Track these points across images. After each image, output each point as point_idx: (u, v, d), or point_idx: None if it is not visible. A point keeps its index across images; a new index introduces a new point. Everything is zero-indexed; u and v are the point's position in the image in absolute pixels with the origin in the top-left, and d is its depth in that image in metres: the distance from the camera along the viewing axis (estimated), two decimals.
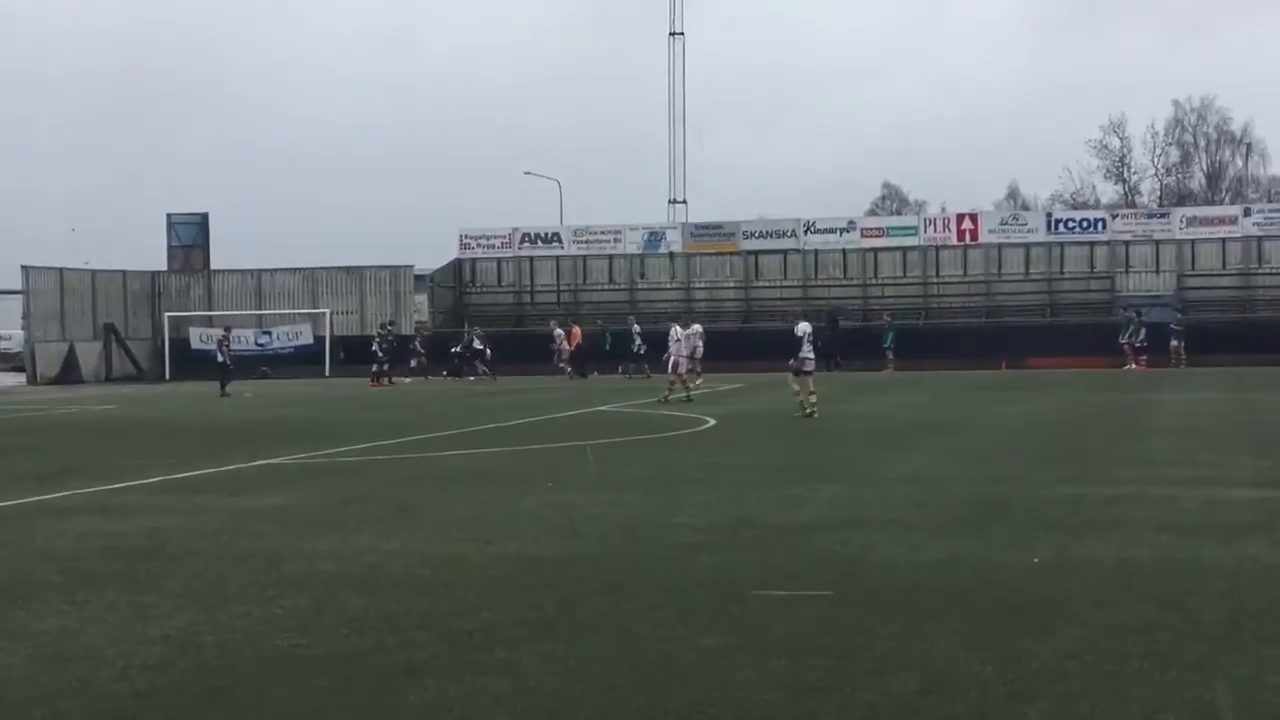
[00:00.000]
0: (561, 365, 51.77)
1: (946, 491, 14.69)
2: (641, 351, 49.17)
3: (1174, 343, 50.68)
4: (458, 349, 52.85)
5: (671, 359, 34.32)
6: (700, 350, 37.74)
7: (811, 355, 27.36)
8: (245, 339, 56.62)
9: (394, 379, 48.88)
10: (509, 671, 7.36)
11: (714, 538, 11.80)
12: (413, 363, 51.93)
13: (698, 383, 36.94)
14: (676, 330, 35.22)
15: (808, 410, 26.13)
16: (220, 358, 44.27)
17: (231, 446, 22.32)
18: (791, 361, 27.28)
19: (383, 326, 51.82)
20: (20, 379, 58.24)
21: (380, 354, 49.16)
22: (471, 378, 50.41)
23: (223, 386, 42.77)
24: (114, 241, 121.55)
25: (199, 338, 59.63)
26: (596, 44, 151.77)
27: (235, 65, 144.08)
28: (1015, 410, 28.46)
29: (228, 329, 48.28)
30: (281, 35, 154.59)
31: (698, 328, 38.63)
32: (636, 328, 51.00)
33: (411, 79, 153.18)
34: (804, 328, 27.66)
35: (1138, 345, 50.54)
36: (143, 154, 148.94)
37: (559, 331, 52.92)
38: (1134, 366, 49.55)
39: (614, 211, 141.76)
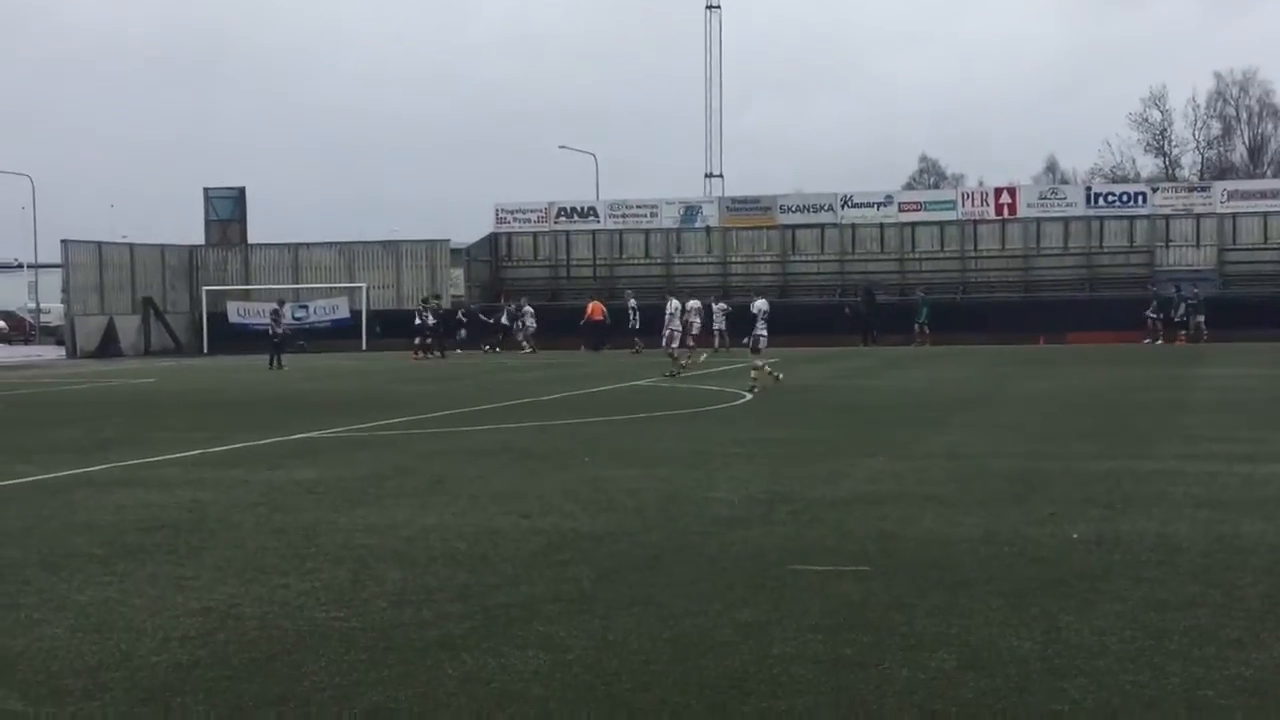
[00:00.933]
0: (522, 340, 52.58)
1: (984, 466, 14.64)
2: (637, 327, 49.35)
3: (1196, 318, 50.37)
4: (501, 320, 53.31)
5: (666, 334, 34.31)
6: (696, 326, 37.55)
7: (765, 333, 27.82)
8: (286, 314, 56.82)
9: (444, 352, 49.23)
10: (546, 645, 7.37)
11: (750, 512, 11.79)
12: (461, 333, 52.50)
13: (702, 358, 36.82)
14: (673, 304, 35.08)
15: (776, 375, 26.95)
16: (273, 331, 44.48)
17: (269, 420, 22.42)
18: (747, 340, 27.88)
19: (425, 300, 52.03)
20: (60, 352, 58.69)
21: (427, 326, 49.64)
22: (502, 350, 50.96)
23: (274, 359, 43.02)
24: (153, 216, 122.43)
25: (236, 311, 59.91)
26: (634, 18, 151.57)
27: (273, 40, 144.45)
28: (1053, 385, 28.32)
29: (281, 302, 48.47)
30: (321, 8, 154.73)
31: (695, 303, 38.48)
32: (633, 303, 51.17)
33: (447, 55, 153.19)
34: (760, 305, 28.07)
35: (1178, 320, 50.20)
36: (181, 129, 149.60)
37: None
38: (1150, 341, 49.34)
39: (650, 186, 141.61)
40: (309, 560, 9.87)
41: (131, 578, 9.37)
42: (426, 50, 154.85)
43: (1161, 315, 50.74)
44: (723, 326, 46.42)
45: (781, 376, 27.41)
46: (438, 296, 54.53)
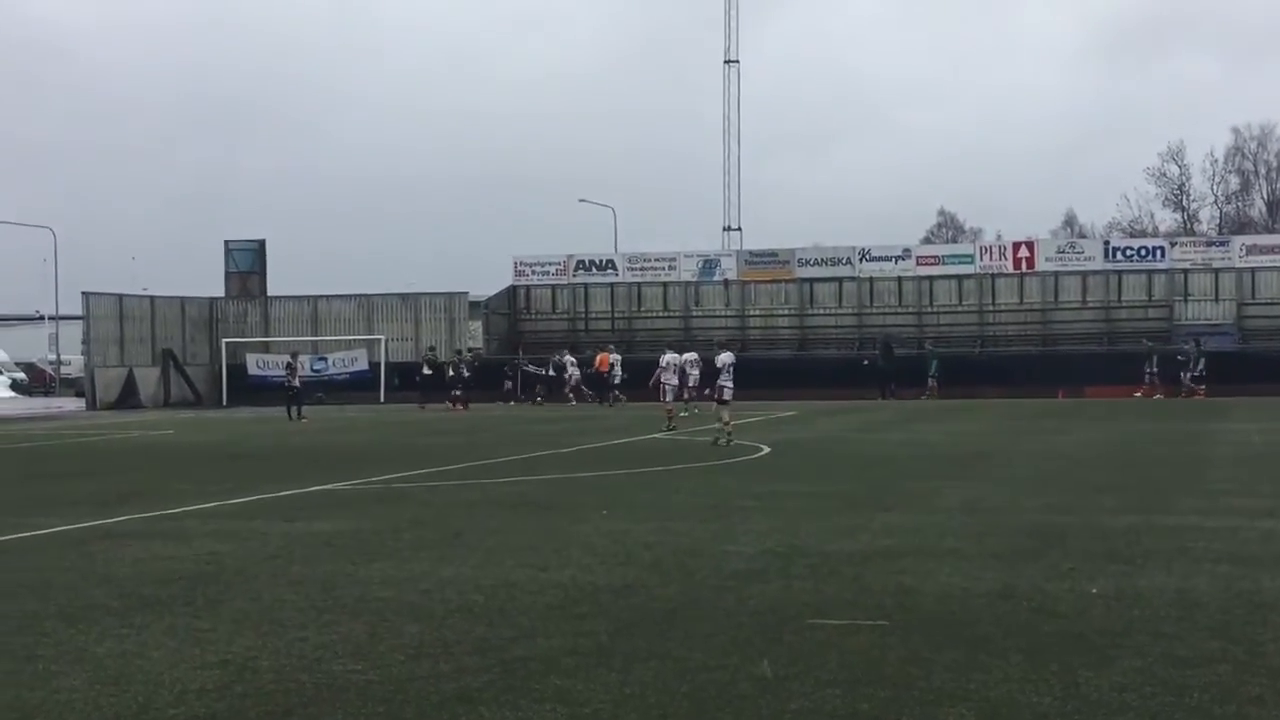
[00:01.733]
0: (567, 393, 52.54)
1: (1003, 520, 14.60)
2: (616, 381, 50.71)
3: (1183, 374, 50.19)
4: (546, 371, 53.82)
5: (665, 387, 34.24)
6: (694, 378, 37.14)
7: (730, 385, 27.61)
8: (302, 365, 56.94)
9: (467, 405, 50.02)
10: (563, 699, 7.36)
11: (768, 566, 11.76)
12: (507, 384, 53.45)
13: (695, 411, 36.51)
14: (668, 358, 34.99)
15: (722, 440, 26.49)
16: (289, 383, 44.68)
17: (286, 472, 22.46)
18: (710, 391, 27.95)
19: (458, 353, 53.37)
20: (80, 404, 58.86)
21: (462, 378, 50.95)
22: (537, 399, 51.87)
23: (291, 411, 43.18)
24: (173, 269, 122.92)
25: (256, 364, 60.05)
26: (653, 73, 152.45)
27: (295, 92, 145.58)
28: (1072, 439, 28.25)
29: (295, 354, 48.83)
30: (343, 63, 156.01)
31: (692, 355, 38.13)
32: (615, 357, 51.95)
33: (470, 108, 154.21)
34: (724, 358, 28.08)
35: (1197, 374, 49.97)
36: (202, 181, 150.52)
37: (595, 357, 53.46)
38: (1144, 396, 49.26)
39: (669, 239, 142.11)
40: (326, 613, 9.87)
41: (149, 630, 9.38)
42: (448, 103, 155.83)
43: (1158, 370, 50.58)
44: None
45: (732, 441, 27.00)
46: (472, 350, 55.15)
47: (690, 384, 37.17)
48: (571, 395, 52.19)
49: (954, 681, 7.62)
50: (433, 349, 56.62)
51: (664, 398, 34.15)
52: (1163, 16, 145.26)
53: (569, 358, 53.81)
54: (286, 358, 48.03)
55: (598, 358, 53.36)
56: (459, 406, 49.72)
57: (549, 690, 7.56)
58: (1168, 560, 11.70)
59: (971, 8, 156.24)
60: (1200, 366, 50.08)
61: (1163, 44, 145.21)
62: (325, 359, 59.47)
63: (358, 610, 9.94)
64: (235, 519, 15.91)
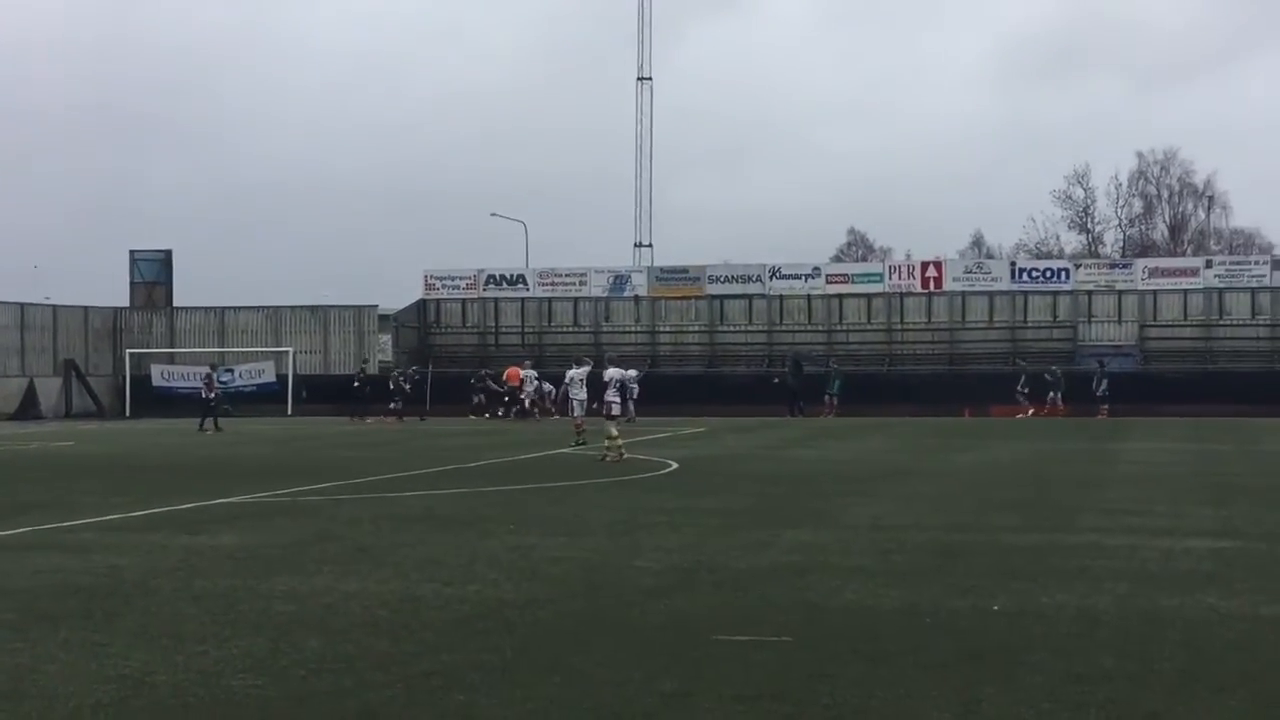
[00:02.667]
0: (530, 407, 51.85)
1: (908, 538, 14.71)
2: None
3: (1051, 394, 51.12)
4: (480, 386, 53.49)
5: (571, 402, 33.95)
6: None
7: (617, 400, 27.87)
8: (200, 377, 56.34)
9: (402, 418, 50.20)
10: (466, 715, 7.32)
11: (674, 582, 11.78)
12: (475, 399, 53.17)
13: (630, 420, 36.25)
14: (574, 372, 34.34)
15: (606, 456, 26.56)
16: (205, 394, 44.41)
17: (190, 485, 22.18)
18: (601, 408, 28.10)
19: (400, 370, 53.68)
20: None
21: (402, 391, 51.31)
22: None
23: (204, 422, 43.01)
24: (77, 278, 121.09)
25: (161, 375, 59.36)
26: (567, 89, 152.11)
27: (204, 104, 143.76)
28: (978, 457, 28.54)
29: (214, 365, 48.70)
30: (252, 72, 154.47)
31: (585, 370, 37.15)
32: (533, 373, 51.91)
33: (380, 122, 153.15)
34: (612, 373, 28.37)
35: (1099, 394, 50.75)
36: (107, 190, 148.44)
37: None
38: (1022, 416, 50.17)
39: (580, 255, 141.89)
40: (227, 627, 9.76)
41: (45, 644, 9.23)
42: (357, 116, 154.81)
43: (1028, 390, 51.49)
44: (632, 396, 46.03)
45: (622, 457, 26.88)
46: (415, 368, 55.06)
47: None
48: (536, 410, 51.39)
49: (857, 697, 7.66)
50: (365, 363, 56.61)
51: (573, 412, 34.01)
52: (1072, 41, 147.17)
53: (530, 372, 52.98)
54: (205, 369, 47.79)
55: (507, 372, 53.01)
56: (391, 420, 49.52)
57: (452, 706, 7.51)
58: (1069, 578, 11.85)
59: (886, 29, 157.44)
60: (1104, 387, 50.83)
61: (1071, 69, 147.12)
62: (232, 370, 58.86)
63: (259, 625, 9.84)
64: (136, 532, 15.69)
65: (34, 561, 13.21)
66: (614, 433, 27.09)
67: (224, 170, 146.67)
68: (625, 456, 26.37)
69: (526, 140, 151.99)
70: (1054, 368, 52.84)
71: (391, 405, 50.92)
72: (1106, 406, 49.91)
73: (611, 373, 28.32)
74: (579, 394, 33.63)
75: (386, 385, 51.98)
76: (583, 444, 31.29)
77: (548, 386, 51.09)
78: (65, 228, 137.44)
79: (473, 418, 51.36)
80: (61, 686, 8.00)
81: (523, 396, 51.57)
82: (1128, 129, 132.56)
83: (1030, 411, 50.52)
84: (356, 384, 52.84)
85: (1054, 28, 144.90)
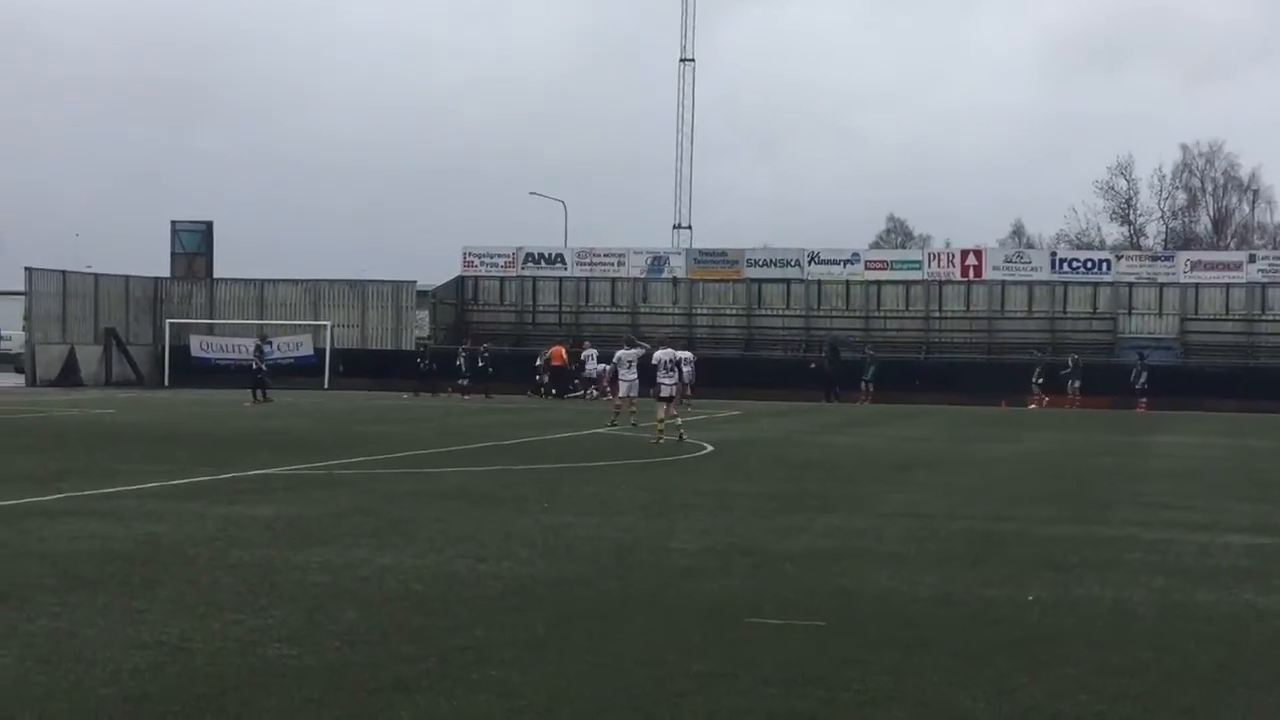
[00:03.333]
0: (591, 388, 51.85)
1: (943, 526, 14.67)
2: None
3: (1071, 383, 50.86)
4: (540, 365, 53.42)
5: (619, 383, 33.93)
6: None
7: (669, 382, 27.61)
8: (244, 349, 56.61)
9: (468, 394, 50.67)
10: (499, 690, 7.34)
11: (708, 564, 11.78)
12: (539, 379, 53.05)
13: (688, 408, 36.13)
14: (624, 353, 34.35)
15: (658, 439, 26.49)
16: (256, 365, 44.62)
17: (228, 455, 22.31)
18: (652, 390, 27.98)
19: (469, 345, 53.38)
20: (19, 380, 58.27)
21: (477, 369, 51.57)
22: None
23: (256, 394, 43.24)
24: (119, 248, 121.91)
25: (199, 345, 59.68)
26: (609, 70, 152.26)
27: (251, 78, 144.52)
28: (1014, 448, 28.43)
29: (264, 337, 48.96)
30: (298, 46, 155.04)
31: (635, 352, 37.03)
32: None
33: (425, 97, 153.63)
34: (659, 355, 28.11)
35: (1138, 387, 50.41)
36: (150, 160, 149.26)
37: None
38: (1035, 406, 50.02)
39: (619, 235, 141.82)
40: (263, 597, 9.81)
41: (83, 609, 9.29)
42: (400, 93, 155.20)
43: (1043, 380, 51.23)
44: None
45: (662, 440, 26.67)
46: (486, 345, 54.81)
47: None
48: (594, 390, 51.40)
49: (889, 683, 7.65)
50: (429, 339, 57.08)
51: (617, 393, 34.03)
52: (1119, 32, 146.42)
53: (590, 351, 52.91)
54: (255, 340, 48.02)
55: (551, 351, 52.97)
56: (463, 395, 50.14)
57: (485, 681, 7.54)
58: (1104, 570, 11.80)
59: (930, 18, 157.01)
60: (1143, 379, 50.51)
61: (1118, 60, 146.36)
62: (270, 343, 59.10)
63: (295, 595, 9.89)
64: (174, 500, 15.79)
65: (73, 527, 13.31)
66: (661, 414, 27.07)
67: (267, 143, 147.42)
68: (663, 441, 26.26)
69: (568, 120, 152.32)
70: (1075, 356, 52.53)
71: (460, 381, 51.16)
72: (1145, 400, 49.57)
73: (661, 354, 28.14)
74: (628, 375, 33.61)
75: (452, 361, 52.06)
76: (634, 426, 31.22)
77: (603, 366, 50.95)
78: (108, 196, 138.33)
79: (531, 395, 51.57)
80: (99, 652, 8.05)
81: (586, 375, 51.63)
82: (1171, 122, 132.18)
83: (1045, 401, 50.13)
84: (420, 360, 52.93)
85: (1098, 20, 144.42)
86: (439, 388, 51.23)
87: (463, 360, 51.56)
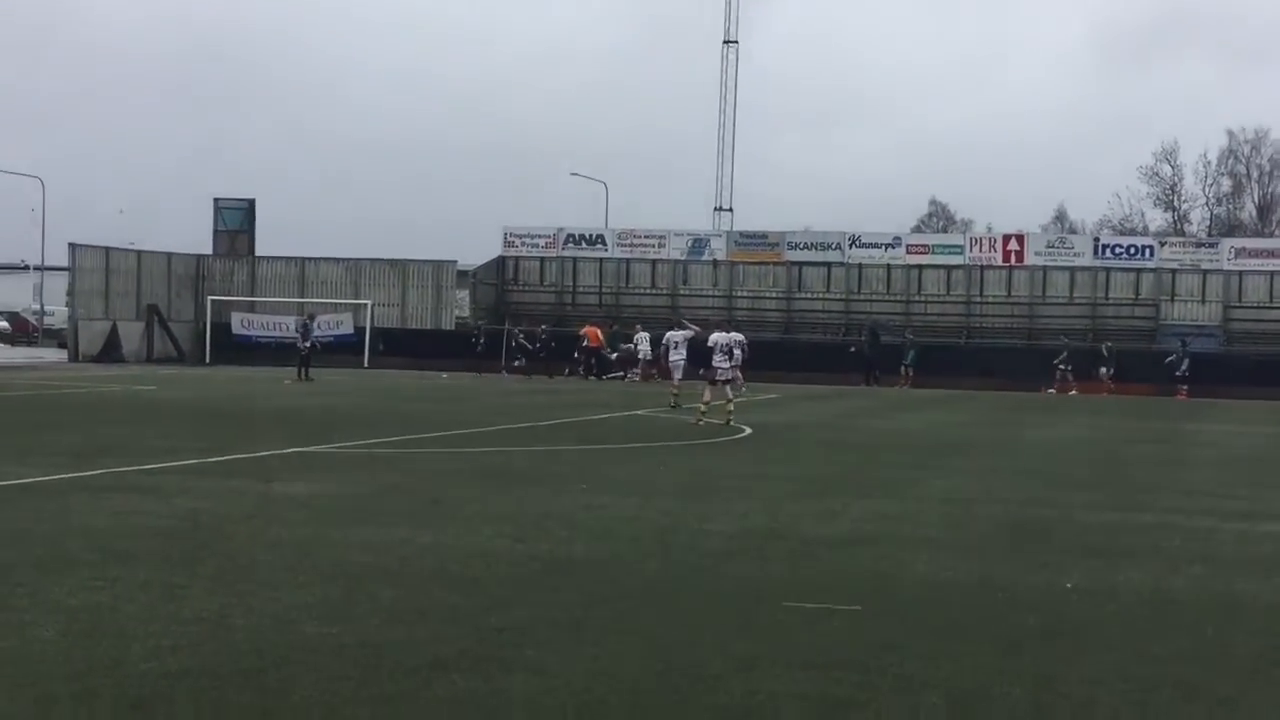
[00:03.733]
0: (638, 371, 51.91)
1: (981, 512, 14.63)
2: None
3: (1103, 369, 50.57)
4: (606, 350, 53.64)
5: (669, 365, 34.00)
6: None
7: (725, 365, 27.35)
8: (286, 326, 56.85)
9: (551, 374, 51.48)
10: (536, 669, 7.36)
11: (746, 546, 11.78)
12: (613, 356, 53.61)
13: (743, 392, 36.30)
14: (674, 334, 34.53)
15: (699, 420, 26.39)
16: (301, 344, 44.83)
17: (268, 433, 22.43)
18: (703, 370, 27.78)
19: (524, 327, 54.53)
20: (63, 355, 58.72)
21: (529, 350, 53.21)
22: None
23: (301, 372, 43.49)
24: (162, 225, 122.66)
25: (241, 323, 59.96)
26: (655, 51, 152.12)
27: (295, 55, 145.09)
28: (1054, 434, 28.30)
29: (311, 315, 49.40)
30: (343, 25, 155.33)
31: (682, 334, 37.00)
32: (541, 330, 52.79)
33: (465, 78, 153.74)
34: (716, 338, 27.79)
35: (1179, 375, 50.05)
36: (195, 138, 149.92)
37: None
38: (1054, 391, 49.79)
39: (660, 216, 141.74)
40: (302, 574, 9.86)
41: (123, 584, 9.36)
42: (444, 73, 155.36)
43: (1071, 366, 50.92)
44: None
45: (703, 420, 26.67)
46: (545, 327, 55.43)
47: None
48: (636, 372, 51.62)
49: (927, 669, 7.64)
50: (483, 321, 57.20)
51: (671, 375, 34.12)
52: (1164, 19, 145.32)
53: (642, 333, 53.04)
54: (303, 319, 48.25)
55: (587, 330, 53.01)
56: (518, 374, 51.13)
57: (522, 660, 7.56)
58: (1143, 558, 11.75)
59: (979, 4, 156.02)
60: (1185, 367, 50.16)
61: (1163, 46, 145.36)
62: (315, 321, 59.39)
63: (333, 574, 9.94)
64: (214, 477, 15.89)
65: (114, 503, 13.41)
66: (708, 396, 26.97)
67: (310, 122, 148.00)
68: (702, 423, 26.17)
69: (612, 101, 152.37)
70: (1108, 343, 52.30)
71: (516, 363, 52.05)
72: (1186, 387, 49.22)
73: (718, 336, 27.94)
74: (676, 357, 33.66)
75: (510, 343, 52.79)
76: (675, 407, 31.25)
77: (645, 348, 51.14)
78: (152, 174, 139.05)
79: (569, 375, 51.87)
80: (139, 627, 8.11)
81: (640, 357, 51.79)
82: (1218, 109, 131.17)
83: (1072, 390, 49.73)
84: (474, 339, 53.17)
85: (1146, 8, 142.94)
86: (555, 369, 52.04)
87: (525, 339, 52.57)
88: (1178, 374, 49.93)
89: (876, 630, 8.57)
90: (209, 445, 19.66)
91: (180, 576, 9.67)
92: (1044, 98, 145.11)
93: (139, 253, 61.46)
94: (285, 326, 56.57)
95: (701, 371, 28.01)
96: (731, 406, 27.07)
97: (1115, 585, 10.39)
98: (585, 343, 52.72)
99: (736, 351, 27.07)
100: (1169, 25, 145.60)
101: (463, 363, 54.06)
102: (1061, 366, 51.04)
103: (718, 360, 27.32)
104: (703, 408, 26.83)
